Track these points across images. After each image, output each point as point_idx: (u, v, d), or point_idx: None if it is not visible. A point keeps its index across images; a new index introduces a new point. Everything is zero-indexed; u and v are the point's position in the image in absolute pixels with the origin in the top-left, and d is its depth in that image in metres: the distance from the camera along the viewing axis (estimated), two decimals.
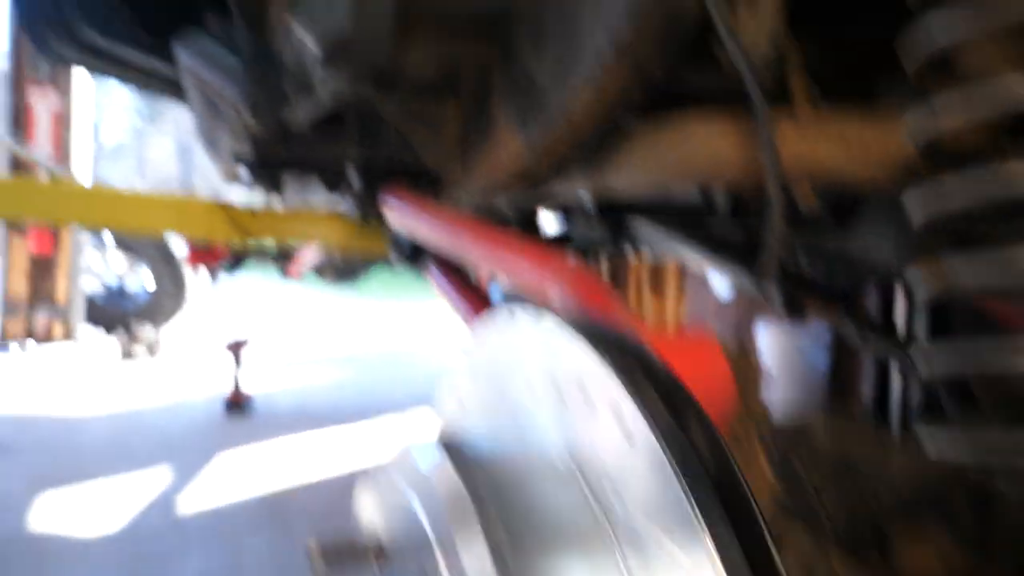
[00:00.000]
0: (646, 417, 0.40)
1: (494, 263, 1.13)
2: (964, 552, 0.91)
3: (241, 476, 2.84)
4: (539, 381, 0.49)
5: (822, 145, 0.76)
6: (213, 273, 4.32)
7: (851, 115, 0.77)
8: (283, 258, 4.44)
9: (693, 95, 0.95)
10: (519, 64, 0.98)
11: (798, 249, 1.30)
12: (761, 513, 0.37)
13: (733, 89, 0.98)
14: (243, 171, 1.90)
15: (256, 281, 10.57)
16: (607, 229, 2.15)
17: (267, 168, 1.82)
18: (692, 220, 1.85)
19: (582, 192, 1.14)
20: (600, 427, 0.43)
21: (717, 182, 0.94)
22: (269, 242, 3.19)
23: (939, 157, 0.66)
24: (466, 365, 0.60)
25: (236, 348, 3.81)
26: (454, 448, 0.51)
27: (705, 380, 0.65)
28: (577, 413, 0.45)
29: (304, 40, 1.02)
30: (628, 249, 2.24)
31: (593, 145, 0.96)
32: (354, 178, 1.46)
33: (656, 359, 0.47)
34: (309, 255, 4.30)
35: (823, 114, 0.78)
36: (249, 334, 3.99)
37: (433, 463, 0.50)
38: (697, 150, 0.88)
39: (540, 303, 0.86)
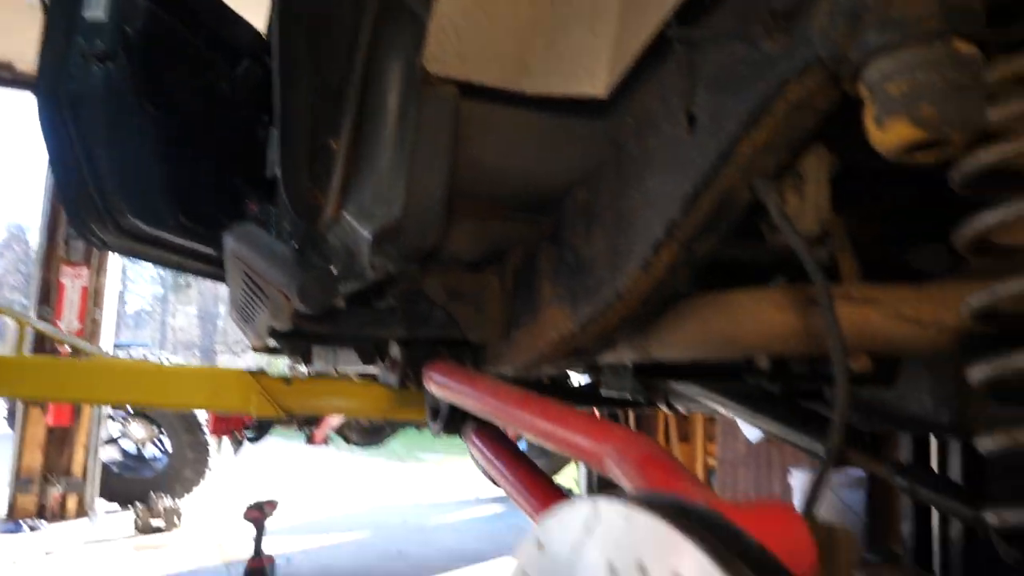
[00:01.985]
0: None
1: (544, 434, 1.13)
2: None
3: None
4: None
5: (877, 317, 0.78)
6: (237, 441, 4.27)
7: (903, 291, 0.79)
8: (309, 423, 4.41)
9: (738, 269, 0.98)
10: (568, 246, 1.02)
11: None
12: None
13: (779, 263, 1.02)
14: (275, 342, 1.93)
15: (279, 445, 10.41)
16: (641, 386, 2.15)
17: (303, 341, 1.85)
18: (728, 376, 1.85)
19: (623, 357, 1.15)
20: None
21: (764, 351, 0.95)
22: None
23: (997, 327, 0.68)
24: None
25: (257, 514, 3.72)
26: None
27: (788, 548, 0.63)
28: None
29: (356, 226, 1.07)
30: (661, 404, 2.22)
31: (642, 320, 0.99)
32: (396, 351, 1.48)
33: (745, 534, 0.46)
34: (334, 418, 4.26)
35: (874, 289, 0.80)
36: (271, 499, 3.92)
37: None
38: (746, 322, 0.90)
39: (598, 469, 0.85)
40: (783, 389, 1.44)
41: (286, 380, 2.52)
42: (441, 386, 1.30)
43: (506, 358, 1.19)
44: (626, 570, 0.48)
